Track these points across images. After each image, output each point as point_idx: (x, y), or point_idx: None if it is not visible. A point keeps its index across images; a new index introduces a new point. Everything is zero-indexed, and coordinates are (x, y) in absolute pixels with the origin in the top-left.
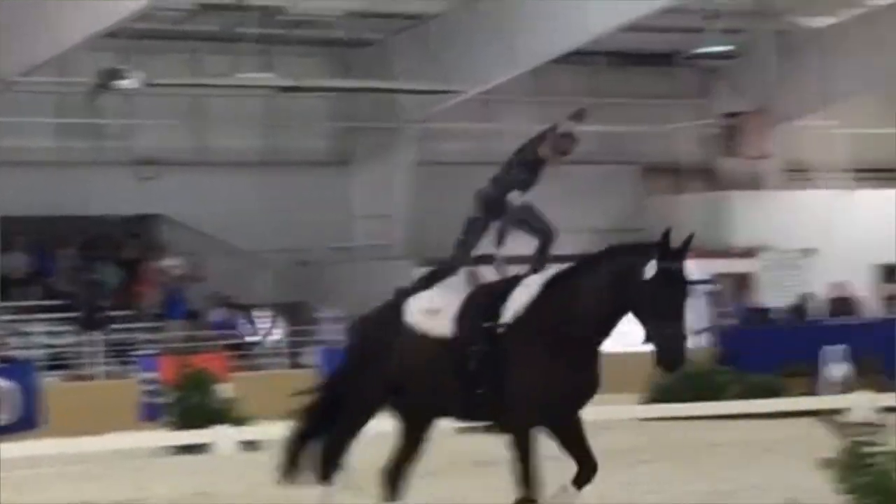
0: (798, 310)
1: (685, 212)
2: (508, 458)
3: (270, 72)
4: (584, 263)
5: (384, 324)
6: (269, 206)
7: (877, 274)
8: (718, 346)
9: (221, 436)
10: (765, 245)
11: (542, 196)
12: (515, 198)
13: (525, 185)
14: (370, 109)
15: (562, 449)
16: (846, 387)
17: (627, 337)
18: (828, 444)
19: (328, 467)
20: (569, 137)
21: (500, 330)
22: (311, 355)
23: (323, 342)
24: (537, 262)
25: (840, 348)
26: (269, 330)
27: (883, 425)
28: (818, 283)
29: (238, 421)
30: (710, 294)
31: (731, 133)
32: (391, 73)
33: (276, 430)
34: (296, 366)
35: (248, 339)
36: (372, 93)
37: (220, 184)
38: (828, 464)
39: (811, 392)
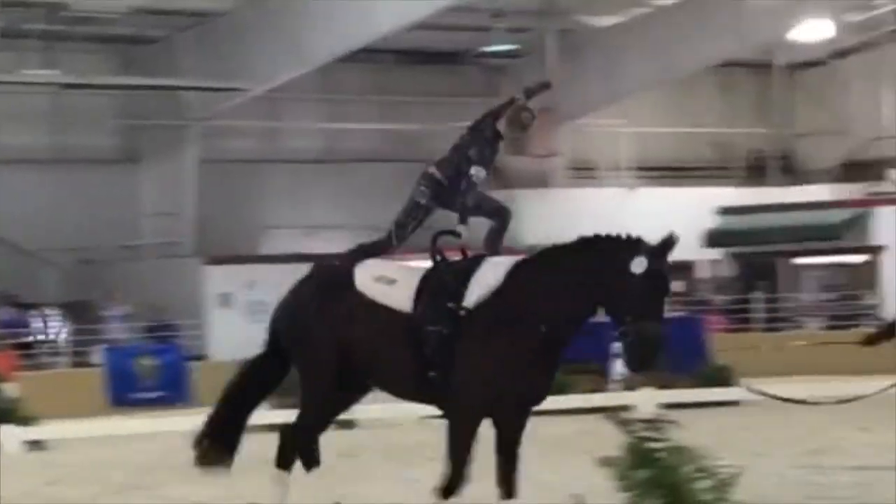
0: None
1: None
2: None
3: (55, 69)
4: (558, 251)
5: (335, 285)
6: (56, 204)
7: None
8: None
9: (7, 435)
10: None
11: (331, 194)
12: (479, 173)
13: (486, 162)
14: (156, 107)
15: (495, 450)
16: (631, 383)
17: None
18: (614, 440)
19: (305, 452)
20: (527, 111)
21: (462, 313)
22: (97, 354)
23: (108, 341)
24: (494, 243)
25: None
26: (60, 329)
27: (666, 421)
28: None
29: (23, 420)
30: None
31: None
32: (177, 70)
33: (62, 430)
34: (80, 364)
35: (39, 337)
36: (158, 90)
37: (5, 182)
38: (608, 461)
39: (599, 389)
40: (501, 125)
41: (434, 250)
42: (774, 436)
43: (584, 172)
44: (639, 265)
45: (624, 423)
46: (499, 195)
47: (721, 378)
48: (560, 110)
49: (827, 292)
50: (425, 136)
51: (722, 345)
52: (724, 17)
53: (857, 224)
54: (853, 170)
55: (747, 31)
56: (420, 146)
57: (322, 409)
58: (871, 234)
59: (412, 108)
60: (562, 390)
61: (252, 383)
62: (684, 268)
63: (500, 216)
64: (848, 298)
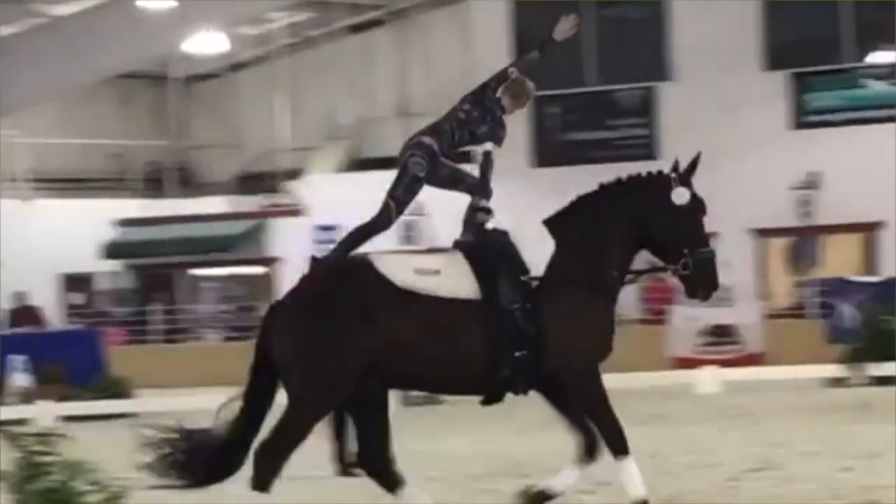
0: None
1: None
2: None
3: None
4: (592, 201)
5: (361, 282)
6: None
7: (60, 283)
8: None
9: None
10: None
11: None
12: (490, 149)
13: (500, 141)
14: None
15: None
16: (28, 396)
17: None
18: (7, 455)
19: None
20: (530, 82)
21: (534, 284)
22: None
23: None
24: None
25: (22, 358)
26: None
27: (58, 435)
28: (1, 294)
29: None
30: None
31: None
32: None
33: None
34: None
35: None
36: None
37: None
38: (1, 475)
39: None
40: (505, 101)
41: (473, 225)
42: None
43: None
44: (680, 196)
45: (13, 438)
46: None
47: (119, 390)
48: None
49: (225, 304)
50: None
51: (120, 357)
52: (121, 28)
53: (253, 236)
54: (249, 182)
55: (143, 42)
56: None
57: (311, 427)
58: (267, 245)
59: None
60: None
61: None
62: (83, 280)
63: (483, 193)
64: (245, 310)
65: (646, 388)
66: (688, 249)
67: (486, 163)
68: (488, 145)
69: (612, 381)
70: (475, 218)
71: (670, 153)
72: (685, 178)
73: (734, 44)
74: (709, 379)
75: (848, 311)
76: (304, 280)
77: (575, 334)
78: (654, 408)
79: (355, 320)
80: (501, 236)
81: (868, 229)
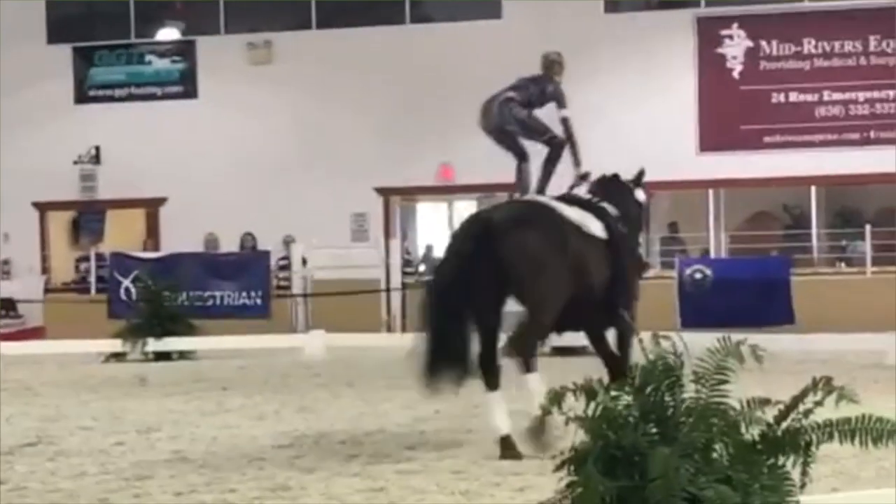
0: None
1: None
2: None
3: None
4: (607, 187)
5: (551, 217)
6: None
7: None
8: None
9: None
10: None
11: None
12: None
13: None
14: None
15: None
16: None
17: None
18: None
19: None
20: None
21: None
22: None
23: None
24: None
25: None
26: None
27: None
28: None
29: None
30: None
31: None
32: None
33: None
34: None
35: None
36: None
37: None
38: None
39: None
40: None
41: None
42: None
43: None
44: (641, 195)
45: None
46: None
47: None
48: None
49: None
50: None
51: None
52: None
53: None
54: None
55: None
56: None
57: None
58: None
59: None
60: None
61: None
62: None
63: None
64: None
65: None
66: (641, 238)
67: (568, 128)
68: (566, 112)
69: None
70: (578, 182)
71: None
72: (640, 182)
73: (19, 15)
74: None
75: (128, 287)
76: (512, 207)
77: (629, 290)
78: None
79: (561, 244)
80: (567, 200)
81: (150, 205)
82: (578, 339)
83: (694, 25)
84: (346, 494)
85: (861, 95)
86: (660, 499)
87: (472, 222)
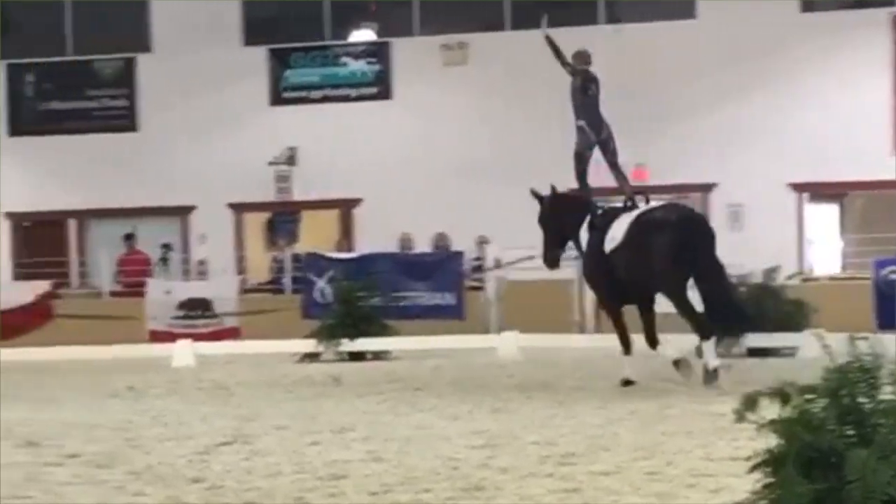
0: None
1: None
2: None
3: None
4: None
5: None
6: None
7: None
8: None
9: None
10: None
11: None
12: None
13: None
14: None
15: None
16: None
17: None
18: None
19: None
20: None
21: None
22: None
23: None
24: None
25: None
26: None
27: None
28: None
29: None
30: None
31: None
32: None
33: None
34: None
35: None
36: None
37: None
38: None
39: None
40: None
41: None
42: None
43: None
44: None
45: None
46: None
47: None
48: None
49: None
50: None
51: None
52: None
53: None
54: None
55: None
56: None
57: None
58: None
59: None
60: None
61: None
62: None
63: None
64: None
65: (121, 361)
66: None
67: (609, 134)
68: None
69: (87, 354)
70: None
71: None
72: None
73: (214, 17)
74: (183, 352)
75: (322, 287)
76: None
77: None
78: (128, 381)
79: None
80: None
81: (345, 205)
82: (771, 340)
83: (890, 24)
84: (539, 495)
85: None
86: (858, 501)
87: (691, 219)
